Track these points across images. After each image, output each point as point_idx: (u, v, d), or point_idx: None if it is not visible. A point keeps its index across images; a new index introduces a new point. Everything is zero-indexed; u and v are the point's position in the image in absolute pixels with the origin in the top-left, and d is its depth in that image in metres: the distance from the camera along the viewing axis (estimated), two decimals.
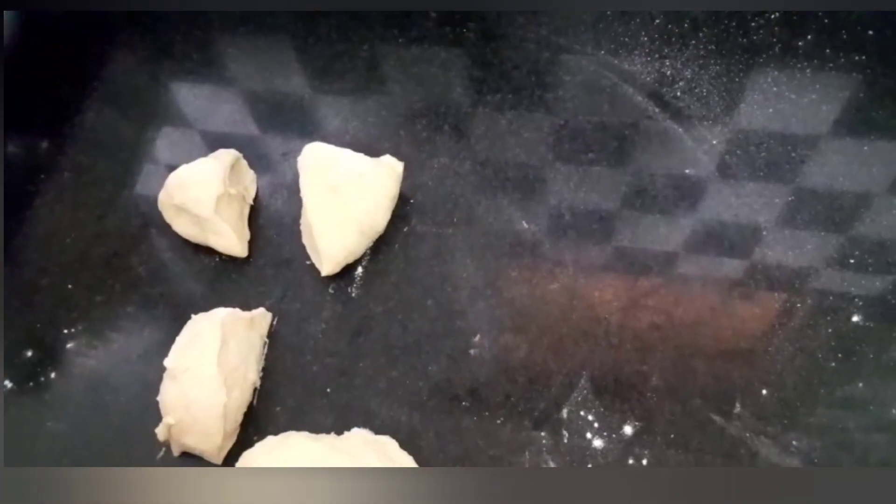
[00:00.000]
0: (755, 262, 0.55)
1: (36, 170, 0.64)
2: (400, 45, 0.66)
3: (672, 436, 0.49)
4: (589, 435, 0.50)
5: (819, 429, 0.49)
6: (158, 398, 0.49)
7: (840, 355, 0.51)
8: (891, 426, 0.49)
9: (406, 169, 0.58)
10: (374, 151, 0.58)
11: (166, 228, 0.59)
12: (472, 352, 0.53)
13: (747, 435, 0.49)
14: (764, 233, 0.55)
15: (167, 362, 0.49)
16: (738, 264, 0.55)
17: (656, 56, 0.63)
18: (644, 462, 0.48)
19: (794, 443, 0.48)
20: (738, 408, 0.50)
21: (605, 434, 0.49)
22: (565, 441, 0.49)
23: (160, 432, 0.48)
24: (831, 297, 0.53)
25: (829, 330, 0.52)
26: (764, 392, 0.50)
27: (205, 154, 0.59)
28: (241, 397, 0.50)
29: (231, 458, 0.50)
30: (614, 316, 0.53)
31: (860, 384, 0.50)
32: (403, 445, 0.49)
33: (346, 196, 0.55)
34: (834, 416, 0.49)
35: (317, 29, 0.68)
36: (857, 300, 0.52)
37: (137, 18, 0.71)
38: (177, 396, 0.48)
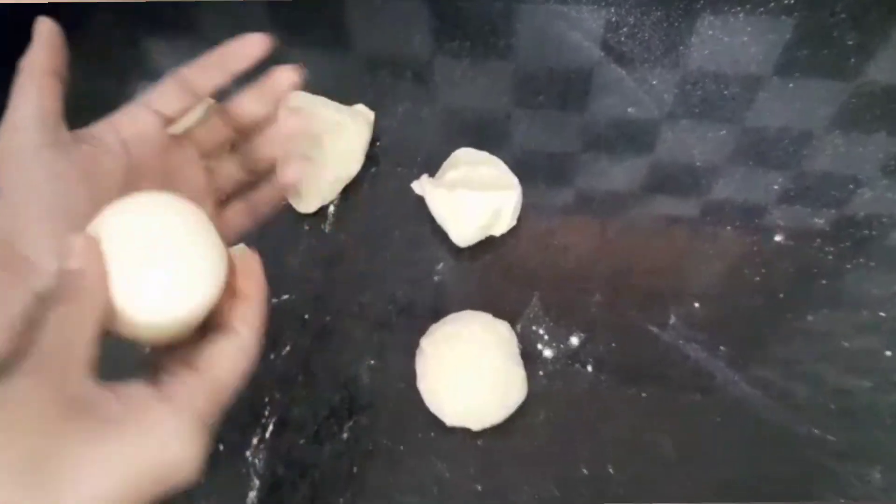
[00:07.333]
0: (688, 193, 0.60)
1: None
2: None
3: (613, 345, 0.55)
4: (540, 346, 0.55)
5: (743, 335, 0.55)
6: None
7: (764, 271, 0.57)
8: (801, 330, 0.55)
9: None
10: (344, 99, 0.63)
11: None
12: (434, 278, 0.59)
13: (680, 342, 0.55)
14: (697, 164, 0.61)
15: None
16: (673, 195, 0.60)
17: (602, 4, 0.67)
18: (589, 368, 0.55)
19: (721, 348, 0.55)
20: (672, 319, 0.56)
21: (553, 345, 0.55)
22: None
23: None
24: (756, 221, 0.59)
25: (755, 249, 0.58)
26: (696, 305, 0.56)
27: None
28: None
29: None
30: (560, 242, 0.59)
31: (781, 295, 0.56)
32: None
33: (325, 143, 0.60)
34: (756, 324, 0.55)
35: None
36: (779, 222, 0.58)
37: None
38: None
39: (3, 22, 0.61)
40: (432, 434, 0.53)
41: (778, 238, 0.58)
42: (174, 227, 0.34)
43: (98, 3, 0.73)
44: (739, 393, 0.53)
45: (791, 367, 0.53)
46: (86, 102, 0.67)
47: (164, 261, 0.33)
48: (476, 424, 0.51)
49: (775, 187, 0.60)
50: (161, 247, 0.33)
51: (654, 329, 0.55)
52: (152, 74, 0.70)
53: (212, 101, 0.64)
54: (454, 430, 0.52)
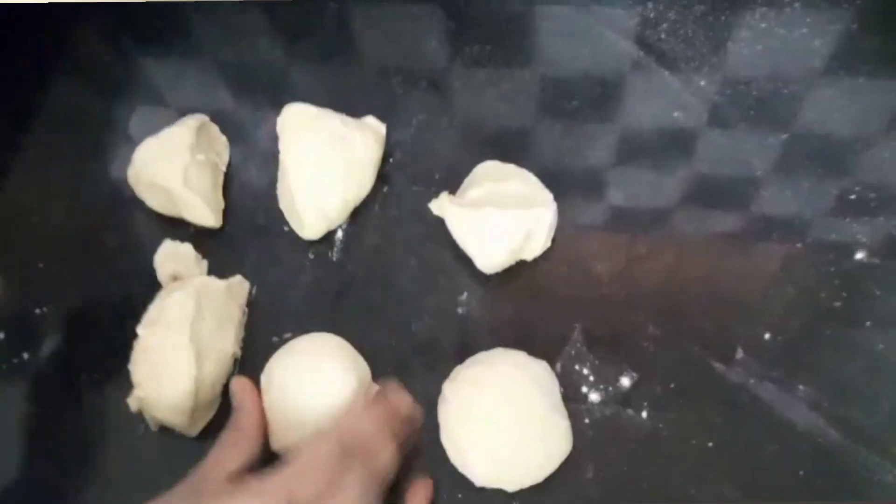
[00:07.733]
0: (749, 206, 0.53)
1: (1, 149, 0.62)
2: (370, 1, 0.64)
3: (672, 385, 0.47)
4: (585, 389, 0.48)
5: (826, 372, 0.47)
6: (130, 366, 0.47)
7: (845, 294, 0.49)
8: None
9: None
10: (350, 111, 0.56)
11: (139, 202, 0.57)
12: (458, 311, 0.51)
13: (751, 381, 0.47)
14: (758, 173, 0.53)
15: (140, 330, 0.47)
16: (732, 209, 0.53)
17: None
18: (644, 414, 0.46)
19: (800, 387, 0.46)
20: (739, 354, 0.48)
21: (601, 387, 0.47)
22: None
23: (132, 403, 0.47)
24: (833, 236, 0.51)
25: (832, 269, 0.50)
26: (767, 336, 0.48)
27: None
28: (217, 369, 0.48)
29: (210, 430, 0.48)
30: (603, 266, 0.51)
31: (868, 322, 0.48)
32: None
33: (330, 163, 0.54)
34: (841, 357, 0.47)
35: None
36: (859, 237, 0.50)
37: None
38: (147, 369, 0.46)
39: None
40: (460, 496, 0.45)
41: (859, 255, 0.50)
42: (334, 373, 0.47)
43: (91, 6, 0.67)
44: (826, 442, 0.44)
45: (886, 409, 0.45)
46: (74, 120, 0.63)
47: (318, 413, 0.45)
48: (511, 485, 0.44)
49: (851, 197, 0.52)
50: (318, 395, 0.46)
51: (719, 366, 0.47)
52: (146, 84, 0.65)
53: (205, 117, 0.58)
54: (486, 492, 0.45)
